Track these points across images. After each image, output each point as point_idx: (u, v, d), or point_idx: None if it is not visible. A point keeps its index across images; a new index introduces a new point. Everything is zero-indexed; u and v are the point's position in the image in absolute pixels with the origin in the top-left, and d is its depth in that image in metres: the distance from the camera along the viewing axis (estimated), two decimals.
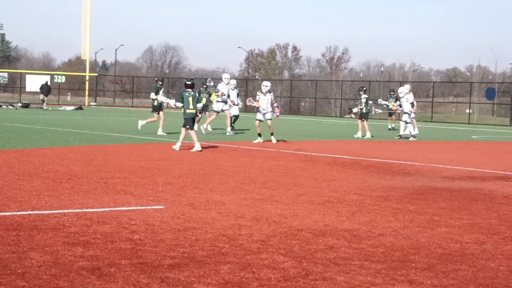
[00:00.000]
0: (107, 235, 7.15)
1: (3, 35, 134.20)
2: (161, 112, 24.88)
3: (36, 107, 52.74)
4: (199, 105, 18.97)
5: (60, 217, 8.04)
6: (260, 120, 22.40)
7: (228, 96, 28.12)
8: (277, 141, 22.34)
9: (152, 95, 24.68)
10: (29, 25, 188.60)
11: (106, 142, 20.25)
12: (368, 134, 27.88)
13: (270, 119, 22.35)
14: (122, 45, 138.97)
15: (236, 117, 29.50)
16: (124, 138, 22.19)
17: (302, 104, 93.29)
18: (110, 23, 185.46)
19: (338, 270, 6.04)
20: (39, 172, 12.21)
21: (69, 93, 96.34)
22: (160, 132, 24.60)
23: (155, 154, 16.73)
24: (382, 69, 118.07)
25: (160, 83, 25.07)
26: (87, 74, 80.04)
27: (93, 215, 8.29)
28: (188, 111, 18.59)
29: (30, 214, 8.19)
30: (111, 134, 23.77)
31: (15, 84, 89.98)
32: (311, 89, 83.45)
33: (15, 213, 8.22)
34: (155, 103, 24.75)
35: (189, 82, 19.14)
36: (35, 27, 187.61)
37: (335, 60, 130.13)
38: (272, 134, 22.34)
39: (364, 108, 28.27)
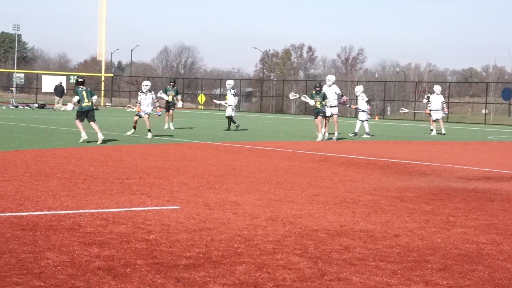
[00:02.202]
0: (123, 235, 7.17)
1: (19, 36, 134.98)
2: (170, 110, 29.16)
3: (53, 108, 52.97)
4: (94, 98, 20.41)
5: (76, 217, 8.07)
6: (139, 116, 23.43)
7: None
8: (153, 136, 23.07)
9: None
10: (45, 26, 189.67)
11: (121, 142, 20.31)
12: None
13: (148, 114, 23.37)
14: (137, 45, 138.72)
15: (230, 117, 29.28)
16: (139, 138, 22.24)
17: None
18: (125, 24, 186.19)
19: (353, 271, 6.03)
20: (55, 172, 12.26)
21: None
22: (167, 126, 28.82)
23: (170, 155, 16.76)
24: (398, 69, 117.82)
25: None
26: (103, 74, 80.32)
27: (109, 215, 8.32)
28: (84, 104, 20.17)
29: (46, 214, 8.22)
30: (126, 134, 23.81)
31: (32, 85, 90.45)
32: None
33: (31, 213, 8.26)
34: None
35: (81, 80, 20.75)
36: (51, 28, 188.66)
37: (350, 61, 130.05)
38: (149, 130, 23.25)
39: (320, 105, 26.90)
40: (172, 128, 28.56)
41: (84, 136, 19.78)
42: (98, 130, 19.91)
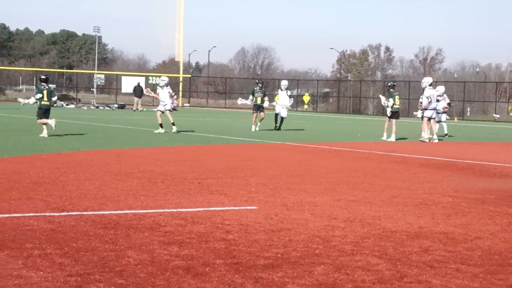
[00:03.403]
0: (202, 235, 7.23)
1: (100, 37, 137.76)
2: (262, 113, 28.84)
3: (132, 109, 53.80)
4: (54, 99, 21.11)
5: (156, 217, 8.18)
6: (161, 111, 24.78)
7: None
8: (179, 131, 24.24)
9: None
10: (124, 27, 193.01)
11: (198, 142, 20.50)
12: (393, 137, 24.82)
13: (170, 110, 24.86)
14: (214, 46, 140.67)
15: (282, 119, 29.27)
16: (216, 139, 22.41)
17: None
18: (203, 25, 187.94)
19: (433, 273, 5.94)
20: (134, 172, 12.45)
21: None
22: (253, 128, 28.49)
23: (247, 155, 16.84)
24: (478, 69, 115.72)
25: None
26: (181, 75, 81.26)
27: (188, 215, 8.40)
28: (43, 102, 20.67)
29: (127, 213, 8.36)
30: (204, 135, 24.04)
31: (111, 86, 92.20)
32: (404, 89, 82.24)
33: (112, 212, 8.41)
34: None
35: (44, 77, 21.14)
36: (130, 29, 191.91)
37: (428, 61, 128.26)
38: (173, 123, 24.74)
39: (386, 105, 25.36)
40: (257, 129, 28.31)
41: (45, 133, 20.29)
42: (47, 120, 20.54)
